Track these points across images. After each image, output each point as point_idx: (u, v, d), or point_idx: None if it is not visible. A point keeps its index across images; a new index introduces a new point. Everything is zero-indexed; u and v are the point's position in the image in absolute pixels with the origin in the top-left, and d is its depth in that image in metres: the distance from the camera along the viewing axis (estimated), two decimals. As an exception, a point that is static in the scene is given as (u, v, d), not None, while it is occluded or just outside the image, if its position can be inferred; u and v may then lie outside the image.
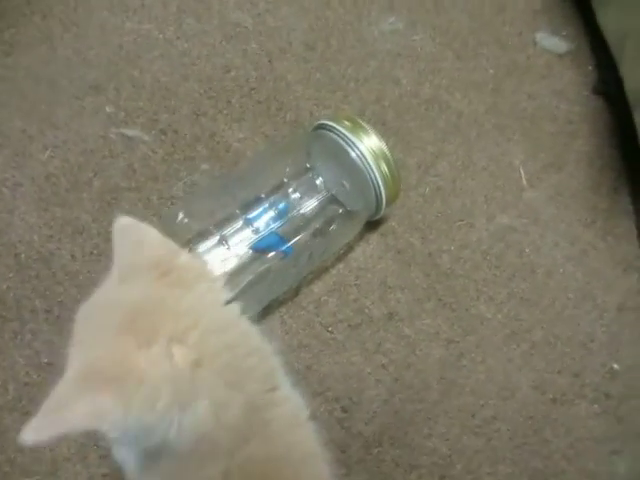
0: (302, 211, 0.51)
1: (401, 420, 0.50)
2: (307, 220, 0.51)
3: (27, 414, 0.46)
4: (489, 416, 0.51)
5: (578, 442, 0.52)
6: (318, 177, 0.53)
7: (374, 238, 0.59)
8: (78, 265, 0.53)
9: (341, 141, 0.50)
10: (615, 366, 0.57)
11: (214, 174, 0.59)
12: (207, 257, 0.45)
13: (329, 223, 0.52)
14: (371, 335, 0.53)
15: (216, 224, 0.47)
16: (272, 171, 0.53)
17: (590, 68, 0.83)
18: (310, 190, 0.52)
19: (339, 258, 0.57)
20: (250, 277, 0.47)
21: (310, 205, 0.52)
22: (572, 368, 0.56)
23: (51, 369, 0.48)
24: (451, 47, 0.79)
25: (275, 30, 0.75)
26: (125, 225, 0.32)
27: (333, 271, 0.56)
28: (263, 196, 0.49)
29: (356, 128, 0.51)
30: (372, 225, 0.60)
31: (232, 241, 0.47)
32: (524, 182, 0.68)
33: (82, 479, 0.44)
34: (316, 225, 0.52)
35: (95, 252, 0.54)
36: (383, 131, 0.67)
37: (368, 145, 0.50)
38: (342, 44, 0.76)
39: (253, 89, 0.68)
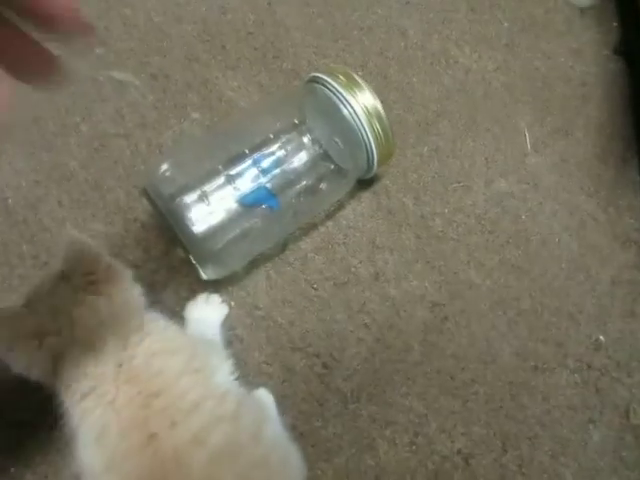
0: (292, 166, 0.53)
1: (380, 379, 0.54)
2: (297, 175, 0.54)
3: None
4: (468, 379, 0.56)
5: (555, 409, 0.56)
6: (308, 133, 0.54)
7: (366, 196, 0.62)
8: (65, 212, 0.56)
9: (334, 97, 0.52)
10: (601, 338, 0.61)
11: (204, 124, 0.62)
12: (189, 213, 0.48)
13: (319, 180, 0.55)
14: (356, 294, 0.57)
15: (199, 179, 0.49)
16: (261, 126, 0.54)
17: (615, 25, 0.83)
18: (300, 146, 0.54)
19: (329, 216, 0.60)
20: (236, 232, 0.50)
21: (301, 161, 0.54)
22: (557, 338, 0.60)
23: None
24: (464, -3, 0.80)
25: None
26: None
27: (322, 228, 0.59)
28: (247, 152, 0.51)
29: (350, 84, 0.53)
30: (364, 183, 0.63)
31: (213, 197, 0.49)
32: (528, 146, 0.70)
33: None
34: (306, 181, 0.54)
35: (82, 199, 0.57)
36: (384, 85, 0.70)
37: (362, 103, 0.52)
38: (347, -10, 0.77)
39: (250, 34, 0.70)
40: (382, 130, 0.53)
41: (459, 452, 0.53)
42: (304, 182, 0.54)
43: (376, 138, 0.53)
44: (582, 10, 0.82)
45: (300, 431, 0.51)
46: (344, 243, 0.59)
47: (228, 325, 0.53)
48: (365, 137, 0.53)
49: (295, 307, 0.56)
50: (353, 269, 0.58)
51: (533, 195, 0.67)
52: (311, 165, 0.54)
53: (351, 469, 0.50)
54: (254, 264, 0.56)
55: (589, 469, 0.55)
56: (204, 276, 0.51)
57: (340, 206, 0.61)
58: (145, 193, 0.51)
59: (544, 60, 0.78)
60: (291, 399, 0.52)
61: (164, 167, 0.50)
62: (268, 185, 0.52)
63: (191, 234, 0.47)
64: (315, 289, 0.57)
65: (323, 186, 0.55)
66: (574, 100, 0.75)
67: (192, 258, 0.51)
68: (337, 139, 0.54)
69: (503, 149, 0.69)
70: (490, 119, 0.71)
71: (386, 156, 0.57)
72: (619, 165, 0.72)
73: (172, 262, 0.54)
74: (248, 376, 0.52)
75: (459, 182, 0.66)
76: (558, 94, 0.75)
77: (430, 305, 0.58)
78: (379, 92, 0.66)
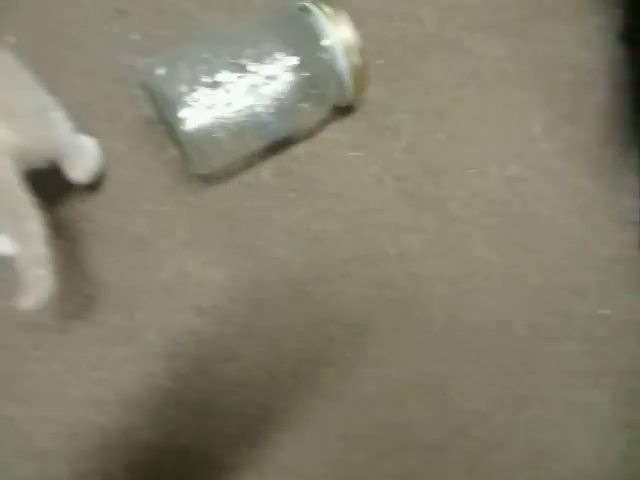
0: (280, 85, 0.61)
1: (406, 347, 0.63)
2: (284, 94, 0.61)
3: (87, 322, 0.59)
4: (484, 348, 0.65)
5: (563, 375, 0.66)
6: (297, 56, 0.62)
7: (389, 182, 0.70)
8: (118, 193, 0.64)
9: (317, 27, 0.62)
10: (605, 312, 0.70)
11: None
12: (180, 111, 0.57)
13: (302, 100, 0.63)
14: (383, 271, 0.66)
15: (191, 81, 0.57)
16: (255, 41, 0.62)
17: (621, 12, 0.91)
18: (289, 67, 0.61)
19: (357, 200, 0.68)
20: (222, 134, 0.59)
21: (288, 80, 0.61)
22: (564, 311, 0.69)
23: (105, 285, 0.60)
24: (477, -18, 0.87)
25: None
26: None
27: (351, 211, 0.68)
28: (241, 62, 0.59)
29: (334, 17, 0.62)
30: (387, 169, 0.71)
31: (204, 100, 0.57)
32: (537, 133, 0.79)
33: (135, 377, 0.57)
34: (290, 100, 0.62)
35: (133, 181, 0.64)
36: (402, 73, 0.77)
37: (342, 36, 0.62)
38: (365, -24, 0.83)
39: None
40: (359, 64, 0.63)
41: (477, 411, 0.63)
42: (288, 100, 0.62)
43: (352, 70, 0.63)
44: (589, -2, 0.90)
45: (338, 390, 0.60)
46: (371, 225, 0.68)
47: (274, 309, 0.61)
48: (342, 68, 0.63)
49: (329, 283, 0.64)
50: (379, 249, 0.67)
51: (541, 179, 0.76)
52: (296, 86, 0.62)
53: (384, 425, 0.60)
54: (289, 242, 0.65)
55: (595, 426, 0.65)
56: (193, 170, 0.62)
57: (366, 190, 0.69)
58: (144, 90, 0.60)
59: (552, 47, 0.85)
60: (329, 364, 0.61)
61: (161, 71, 0.58)
62: (266, 110, 0.60)
63: (181, 131, 0.57)
64: (347, 267, 0.65)
65: (304, 106, 0.64)
66: (580, 87, 0.83)
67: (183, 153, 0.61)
68: (320, 67, 0.63)
69: (514, 135, 0.78)
70: (502, 106, 0.79)
71: (360, 87, 0.67)
72: (621, 150, 0.81)
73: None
74: (292, 342, 0.61)
75: (474, 167, 0.74)
76: (565, 81, 0.83)
77: (449, 281, 0.67)
78: (397, 79, 0.75)
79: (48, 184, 0.61)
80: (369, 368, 0.62)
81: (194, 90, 0.57)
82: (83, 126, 0.64)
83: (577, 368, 0.67)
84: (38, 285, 0.47)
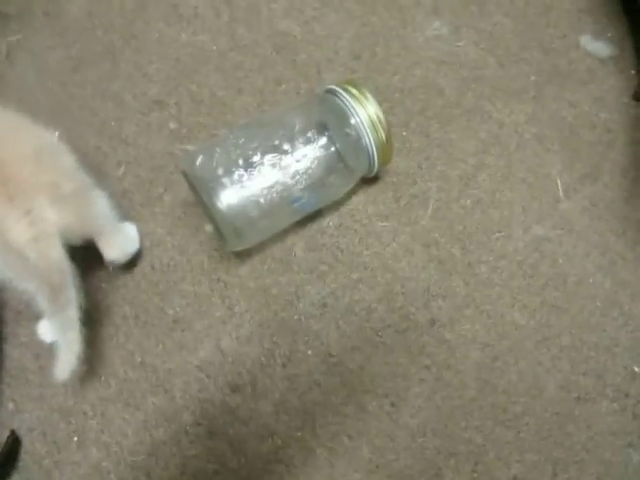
0: (310, 161, 0.66)
1: (442, 414, 0.65)
2: (313, 169, 0.66)
3: (128, 405, 0.63)
4: (519, 412, 0.67)
5: (597, 436, 0.67)
6: (326, 135, 0.67)
7: (418, 249, 0.74)
8: (157, 275, 0.68)
9: (345, 107, 0.67)
10: (636, 369, 0.71)
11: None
12: (218, 192, 0.62)
13: (330, 174, 0.68)
14: (415, 339, 0.68)
15: (228, 166, 0.63)
16: (286, 124, 0.68)
17: (633, 73, 0.95)
18: (317, 145, 0.67)
19: (388, 269, 0.72)
20: (256, 213, 0.64)
21: (317, 157, 0.67)
22: (596, 370, 0.71)
23: (144, 367, 0.64)
24: (494, 53, 0.92)
25: (323, 39, 0.89)
26: None
27: (382, 281, 0.71)
28: (274, 144, 0.65)
29: (360, 96, 0.67)
30: (415, 237, 0.74)
31: (241, 182, 0.63)
32: (560, 193, 0.82)
33: (175, 460, 0.60)
34: (319, 175, 0.67)
35: (171, 264, 0.69)
36: (427, 143, 0.82)
37: (368, 112, 0.67)
38: (387, 52, 0.89)
39: (303, 102, 0.82)
40: (384, 138, 0.68)
41: (515, 478, 0.64)
42: (318, 175, 0.67)
43: (378, 144, 0.67)
44: (602, 60, 0.94)
45: (375, 464, 0.62)
46: (402, 293, 0.71)
47: (309, 383, 0.64)
48: (369, 142, 0.67)
49: (363, 353, 0.67)
50: (411, 316, 0.70)
51: (567, 239, 0.78)
52: (325, 161, 0.67)
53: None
54: (323, 315, 0.68)
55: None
56: (230, 248, 0.67)
57: (396, 259, 0.73)
58: (185, 176, 0.65)
59: (570, 109, 0.89)
60: (365, 436, 0.63)
61: (200, 158, 0.64)
62: (296, 186, 0.65)
63: (218, 212, 0.62)
64: (379, 336, 0.68)
65: (333, 179, 0.69)
66: (600, 146, 0.87)
67: (220, 232, 0.65)
68: (348, 142, 0.68)
69: (538, 197, 0.81)
70: (524, 169, 0.83)
71: (386, 159, 0.71)
72: (644, 206, 0.83)
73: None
74: (327, 416, 0.63)
75: (500, 231, 0.77)
76: (585, 141, 0.87)
77: (481, 346, 0.69)
78: (421, 149, 0.79)
79: (88, 268, 0.67)
80: (404, 438, 0.64)
81: (230, 173, 0.63)
82: (124, 212, 0.69)
83: (612, 428, 0.68)
84: (70, 361, 0.52)
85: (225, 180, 0.62)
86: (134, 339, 0.65)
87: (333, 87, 0.70)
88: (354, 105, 0.68)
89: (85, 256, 0.63)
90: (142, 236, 0.70)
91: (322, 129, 0.68)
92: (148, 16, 0.86)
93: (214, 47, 0.85)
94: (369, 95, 0.68)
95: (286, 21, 0.90)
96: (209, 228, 0.71)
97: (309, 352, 0.66)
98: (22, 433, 0.59)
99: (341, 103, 0.68)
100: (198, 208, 0.72)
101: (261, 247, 0.70)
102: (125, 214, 0.70)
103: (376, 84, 0.86)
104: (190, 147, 0.76)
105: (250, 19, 0.89)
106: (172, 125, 0.77)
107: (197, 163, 0.63)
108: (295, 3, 0.92)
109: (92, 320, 0.64)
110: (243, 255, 0.70)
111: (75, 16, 0.83)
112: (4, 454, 0.56)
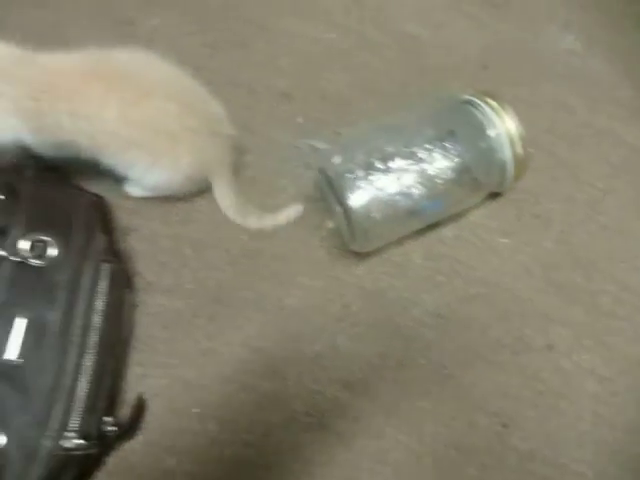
0: (439, 171, 0.67)
1: (553, 443, 0.64)
2: (441, 180, 0.67)
3: (245, 386, 0.65)
4: (636, 453, 0.65)
5: None
6: (457, 145, 0.68)
7: (538, 271, 0.73)
8: (278, 265, 0.71)
9: (483, 119, 0.68)
10: None
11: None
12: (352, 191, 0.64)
13: (458, 186, 0.68)
14: (530, 363, 0.68)
15: (363, 166, 0.65)
16: (420, 130, 0.69)
17: None
18: (449, 154, 0.67)
19: (505, 287, 0.72)
20: (386, 214, 0.66)
21: (447, 167, 0.67)
22: None
23: (261, 352, 0.66)
24: (630, 74, 0.90)
25: (451, 45, 0.89)
26: None
27: (499, 299, 0.71)
28: (407, 150, 0.67)
29: (499, 109, 0.68)
30: (536, 258, 0.74)
31: (374, 182, 0.65)
32: (695, 228, 0.79)
33: (286, 444, 0.62)
34: (446, 186, 0.67)
35: (291, 255, 0.71)
36: (553, 162, 0.81)
37: (507, 126, 0.67)
38: (516, 64, 0.89)
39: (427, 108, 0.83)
40: (522, 154, 0.68)
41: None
42: (446, 186, 0.67)
43: (514, 160, 0.68)
44: None
45: (480, 479, 0.63)
46: (520, 314, 0.70)
47: (420, 391, 0.65)
48: (505, 157, 0.67)
49: (476, 369, 0.67)
50: (528, 339, 0.69)
51: (698, 277, 0.76)
52: (454, 173, 0.68)
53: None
54: (438, 325, 0.69)
55: None
56: (354, 248, 0.69)
57: (515, 278, 0.72)
58: (319, 173, 0.69)
59: None
60: (473, 452, 0.64)
61: (337, 157, 0.67)
62: (425, 195, 0.67)
63: (351, 212, 0.64)
64: (494, 355, 0.68)
65: (460, 191, 0.70)
66: None
67: (346, 231, 0.68)
68: (480, 155, 0.68)
69: (669, 230, 0.79)
70: (656, 198, 0.81)
71: (518, 176, 0.71)
72: None
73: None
74: (437, 426, 0.64)
75: (625, 261, 0.75)
76: None
77: (599, 379, 0.68)
78: (547, 168, 0.78)
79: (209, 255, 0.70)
80: (513, 461, 0.64)
81: (368, 175, 0.64)
82: (247, 199, 0.72)
83: None
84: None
85: (360, 182, 0.64)
86: (253, 324, 0.67)
87: (470, 97, 0.71)
88: (493, 118, 0.68)
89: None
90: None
91: (453, 139, 0.68)
92: (281, 10, 0.89)
93: (343, 45, 0.87)
94: (509, 108, 0.69)
95: (414, 24, 0.91)
96: (331, 225, 0.72)
97: (422, 360, 0.67)
98: (147, 397, 0.62)
99: (479, 115, 0.69)
100: (320, 204, 0.73)
101: (379, 250, 0.71)
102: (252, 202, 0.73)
103: (502, 96, 0.85)
104: (315, 142, 0.78)
105: (379, 19, 0.90)
106: (299, 119, 0.80)
107: (334, 161, 0.65)
108: (424, 6, 0.93)
109: (215, 300, 0.67)
110: (361, 256, 0.71)
111: (213, 5, 0.87)
112: (132, 415, 0.60)
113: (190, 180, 0.67)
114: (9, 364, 0.53)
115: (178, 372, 0.64)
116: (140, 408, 0.62)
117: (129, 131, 0.61)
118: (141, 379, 0.64)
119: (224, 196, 0.70)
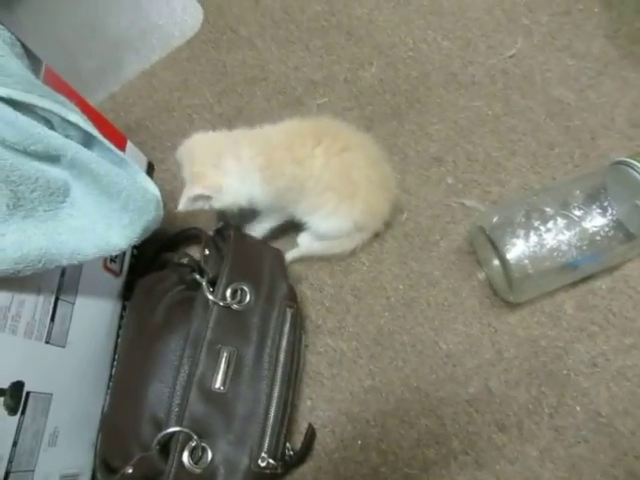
0: (592, 228, 0.71)
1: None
2: (594, 236, 0.71)
3: (403, 421, 0.72)
4: None
5: None
6: (609, 204, 0.72)
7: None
8: (432, 312, 0.78)
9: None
10: None
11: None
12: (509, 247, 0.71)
13: (610, 241, 0.71)
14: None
15: (518, 225, 0.72)
16: (572, 192, 0.74)
17: None
18: (601, 213, 0.72)
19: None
20: (539, 269, 0.71)
21: (599, 224, 0.71)
22: None
23: (419, 391, 0.73)
24: None
25: (598, 106, 0.94)
26: None
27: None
28: (561, 210, 0.72)
29: None
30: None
31: (530, 238, 0.72)
32: None
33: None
34: (600, 242, 0.71)
35: (445, 303, 0.78)
36: None
37: None
38: (666, 120, 0.92)
39: (577, 166, 0.88)
40: None
41: None
42: (600, 243, 0.71)
43: None
44: None
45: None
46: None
47: (576, 438, 0.68)
48: None
49: (635, 419, 0.69)
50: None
51: None
52: (609, 230, 0.71)
53: None
54: (593, 374, 0.71)
55: None
56: (508, 298, 0.74)
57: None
58: (480, 230, 0.75)
59: None
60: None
61: (496, 217, 0.74)
62: (579, 251, 0.71)
63: (508, 266, 0.69)
64: None
65: (614, 248, 0.72)
66: None
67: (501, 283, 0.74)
68: (636, 214, 0.71)
69: None
70: None
71: None
72: None
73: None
74: (595, 475, 0.66)
75: None
76: None
77: None
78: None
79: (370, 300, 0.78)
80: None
81: (527, 233, 0.71)
82: (405, 252, 0.81)
83: None
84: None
85: (518, 240, 0.71)
86: (410, 365, 0.74)
87: (627, 159, 0.75)
88: None
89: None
90: (419, 276, 0.80)
91: (605, 198, 0.73)
92: (430, 83, 0.99)
93: (489, 112, 0.95)
94: None
95: (561, 89, 0.97)
96: (482, 276, 0.79)
97: (577, 408, 0.70)
98: (316, 428, 0.72)
99: (637, 175, 0.72)
100: (471, 256, 0.80)
101: (531, 300, 0.76)
102: (406, 255, 0.82)
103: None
104: (465, 200, 0.86)
105: (524, 86, 0.98)
106: (449, 180, 0.88)
107: (494, 221, 0.73)
108: (570, 72, 0.99)
109: (376, 342, 0.76)
110: (513, 306, 0.76)
111: (369, 82, 1.00)
112: (305, 442, 0.69)
113: (357, 228, 0.77)
114: (217, 391, 0.64)
115: (343, 406, 0.73)
116: (312, 437, 0.70)
117: (329, 176, 0.74)
118: (311, 411, 0.73)
119: (353, 242, 0.80)
